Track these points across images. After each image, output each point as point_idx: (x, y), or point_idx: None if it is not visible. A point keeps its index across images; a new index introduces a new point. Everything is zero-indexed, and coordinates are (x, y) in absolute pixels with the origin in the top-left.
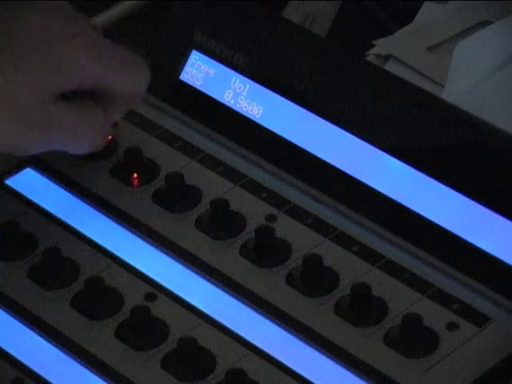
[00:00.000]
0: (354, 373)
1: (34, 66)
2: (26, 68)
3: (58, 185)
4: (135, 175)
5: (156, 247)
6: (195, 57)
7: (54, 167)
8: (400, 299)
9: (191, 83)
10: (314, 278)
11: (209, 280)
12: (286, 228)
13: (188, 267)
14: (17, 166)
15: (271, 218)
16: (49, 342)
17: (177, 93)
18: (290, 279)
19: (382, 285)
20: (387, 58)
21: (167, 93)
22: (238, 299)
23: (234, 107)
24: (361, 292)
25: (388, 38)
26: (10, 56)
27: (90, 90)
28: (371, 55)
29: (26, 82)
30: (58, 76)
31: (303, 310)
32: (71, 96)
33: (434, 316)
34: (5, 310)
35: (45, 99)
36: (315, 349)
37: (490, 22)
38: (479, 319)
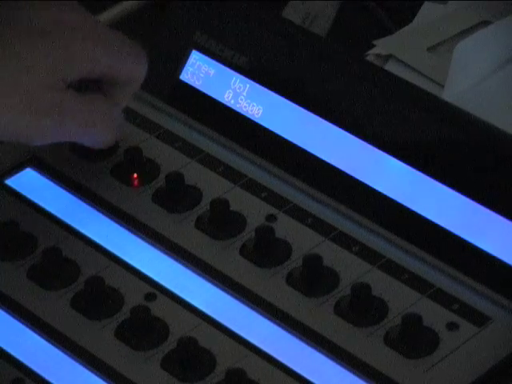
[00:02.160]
0: (354, 373)
1: (46, 55)
2: (39, 56)
3: (58, 185)
4: (135, 175)
5: (156, 247)
6: (195, 57)
7: (54, 167)
8: (400, 299)
9: (191, 83)
10: (313, 277)
11: (209, 280)
12: (286, 228)
13: (188, 267)
14: (17, 165)
15: (271, 218)
16: (49, 341)
17: (177, 93)
18: (290, 279)
19: (382, 285)
20: (387, 58)
21: (167, 93)
22: (238, 299)
23: (234, 107)
24: (361, 292)
25: (388, 38)
26: (24, 43)
27: (97, 78)
28: (371, 55)
29: (39, 70)
30: (70, 64)
31: (303, 310)
32: (79, 85)
33: (434, 316)
34: (5, 310)
35: (57, 88)
36: (315, 349)
37: (490, 22)
38: (479, 319)
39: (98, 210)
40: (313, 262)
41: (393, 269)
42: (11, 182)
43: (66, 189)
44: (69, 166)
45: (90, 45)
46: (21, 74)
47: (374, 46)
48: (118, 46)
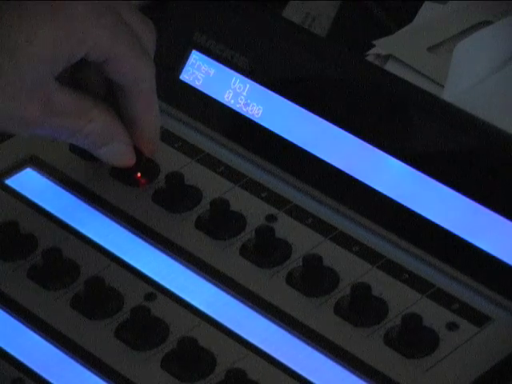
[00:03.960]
0: (354, 373)
1: (50, 35)
2: (36, 39)
3: (58, 185)
4: (139, 174)
5: (156, 247)
6: (195, 57)
7: (54, 167)
8: (400, 299)
9: (191, 83)
10: (314, 278)
11: (209, 280)
12: (286, 228)
13: (188, 267)
14: (17, 165)
15: (271, 218)
16: (49, 341)
17: (177, 93)
18: (289, 279)
19: (382, 285)
20: (387, 58)
21: (167, 93)
22: (238, 299)
23: (233, 107)
24: (361, 292)
25: (388, 38)
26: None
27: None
28: (371, 55)
29: (37, 57)
30: (69, 41)
31: (303, 309)
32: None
33: (434, 316)
34: (5, 310)
35: (51, 84)
36: (315, 349)
37: (490, 22)
38: (479, 319)
39: (98, 210)
40: (313, 262)
41: (393, 269)
42: (11, 181)
43: (66, 189)
44: (69, 166)
45: (90, 19)
46: (19, 59)
47: (373, 45)
48: (125, 33)
